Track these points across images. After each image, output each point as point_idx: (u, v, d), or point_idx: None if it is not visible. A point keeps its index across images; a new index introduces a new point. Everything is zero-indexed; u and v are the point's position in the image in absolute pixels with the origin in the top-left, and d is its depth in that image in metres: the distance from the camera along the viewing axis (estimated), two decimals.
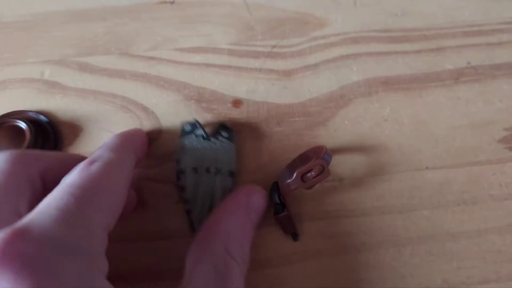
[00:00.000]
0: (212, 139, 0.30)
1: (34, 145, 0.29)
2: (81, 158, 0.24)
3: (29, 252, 0.17)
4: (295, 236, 0.29)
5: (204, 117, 0.32)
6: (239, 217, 0.25)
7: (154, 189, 0.30)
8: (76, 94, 0.33)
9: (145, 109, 0.33)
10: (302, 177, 0.28)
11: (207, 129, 0.31)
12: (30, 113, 0.31)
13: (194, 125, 0.31)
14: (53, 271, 0.17)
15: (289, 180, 0.28)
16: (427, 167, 0.31)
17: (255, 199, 0.27)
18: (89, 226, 0.19)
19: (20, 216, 0.19)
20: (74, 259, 0.18)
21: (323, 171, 0.27)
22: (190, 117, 0.32)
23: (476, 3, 0.38)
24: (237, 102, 0.33)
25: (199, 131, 0.31)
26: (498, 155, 0.32)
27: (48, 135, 0.31)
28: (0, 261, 0.16)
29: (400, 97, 0.34)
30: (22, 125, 0.29)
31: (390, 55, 0.35)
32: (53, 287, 0.16)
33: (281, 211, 0.28)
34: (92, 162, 0.22)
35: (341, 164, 0.31)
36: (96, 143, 0.31)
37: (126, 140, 0.26)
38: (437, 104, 0.34)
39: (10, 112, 0.31)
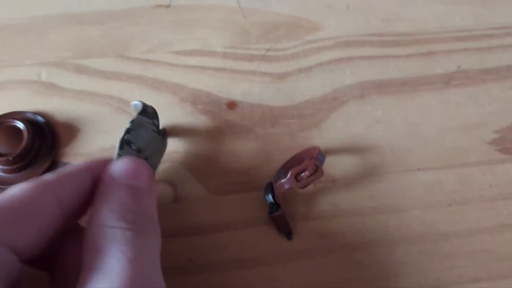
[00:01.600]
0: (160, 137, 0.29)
1: (31, 145, 0.30)
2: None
3: None
4: (289, 235, 0.29)
5: (199, 119, 0.33)
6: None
7: None
8: (73, 95, 0.33)
9: None
10: (296, 176, 0.28)
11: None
12: (28, 114, 0.31)
13: (155, 113, 0.30)
14: None
15: (283, 180, 0.28)
16: (418, 168, 0.32)
17: (142, 177, 0.23)
18: None
19: None
20: None
21: (317, 171, 0.28)
22: (185, 119, 0.33)
23: (467, 9, 0.39)
24: (232, 104, 0.34)
25: (158, 122, 0.29)
26: (488, 156, 0.33)
27: (45, 136, 0.31)
28: None
29: (392, 100, 0.34)
30: (20, 125, 0.30)
31: (382, 58, 0.36)
32: None
33: (275, 211, 0.29)
34: (22, 184, 0.21)
35: (334, 165, 0.32)
36: (92, 143, 0.32)
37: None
38: (428, 106, 0.34)
39: (8, 113, 0.31)
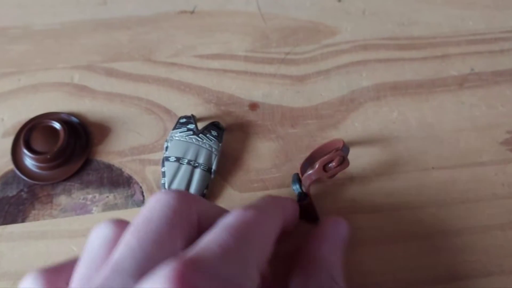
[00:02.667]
0: (201, 135, 0.32)
1: (67, 144, 0.31)
2: (227, 211, 0.25)
3: (202, 285, 0.18)
4: (316, 220, 0.31)
5: (223, 120, 0.34)
6: (332, 246, 0.28)
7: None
8: (103, 97, 0.35)
9: (167, 111, 0.35)
10: (324, 167, 0.29)
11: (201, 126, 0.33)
12: (63, 115, 0.33)
13: (189, 118, 0.33)
14: None
15: (310, 171, 0.30)
16: (433, 167, 0.33)
17: (340, 228, 0.29)
18: (244, 264, 0.20)
19: (175, 252, 0.20)
20: None
21: (344, 161, 0.29)
22: (209, 120, 0.34)
23: (480, 13, 0.40)
24: (253, 106, 0.35)
25: (191, 126, 0.32)
26: (500, 156, 0.34)
27: (79, 135, 0.33)
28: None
29: (407, 101, 0.36)
30: (57, 125, 0.32)
31: (397, 61, 0.38)
32: None
33: (304, 199, 0.30)
34: (247, 209, 0.23)
35: (352, 164, 0.33)
36: (123, 142, 0.33)
37: (278, 203, 0.27)
38: (442, 108, 0.36)
39: (45, 114, 0.33)
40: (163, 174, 0.31)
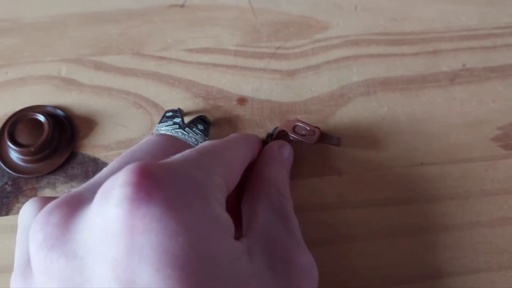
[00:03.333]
0: (187, 129, 0.32)
1: (52, 137, 0.31)
2: None
3: (161, 173, 0.18)
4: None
5: (211, 114, 0.34)
6: (277, 165, 0.29)
7: None
8: (91, 90, 0.35)
9: (155, 105, 0.35)
10: (295, 127, 0.31)
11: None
12: (48, 108, 0.33)
13: (176, 112, 0.33)
14: (183, 194, 0.18)
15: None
16: (422, 163, 0.33)
17: (285, 150, 0.30)
18: (206, 170, 0.21)
19: None
20: (195, 186, 0.19)
21: (316, 134, 0.31)
22: (198, 114, 0.34)
23: (473, 9, 0.40)
24: (242, 100, 0.35)
25: (177, 119, 0.32)
26: (491, 152, 0.34)
27: (65, 129, 0.32)
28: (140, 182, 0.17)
29: (397, 97, 0.36)
30: (41, 118, 0.31)
31: (388, 57, 0.37)
32: (183, 206, 0.18)
33: (268, 138, 0.32)
34: (215, 140, 0.25)
35: (340, 159, 0.33)
36: (109, 136, 0.33)
37: (246, 138, 0.29)
38: (433, 103, 0.35)
39: (30, 107, 0.33)
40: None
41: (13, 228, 0.30)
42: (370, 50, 0.38)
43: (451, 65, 0.37)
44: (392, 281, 0.29)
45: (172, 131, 0.32)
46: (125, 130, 0.34)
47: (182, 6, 0.39)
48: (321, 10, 0.40)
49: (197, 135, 0.32)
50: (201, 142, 0.32)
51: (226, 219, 0.20)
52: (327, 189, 0.32)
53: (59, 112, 0.33)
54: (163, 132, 0.32)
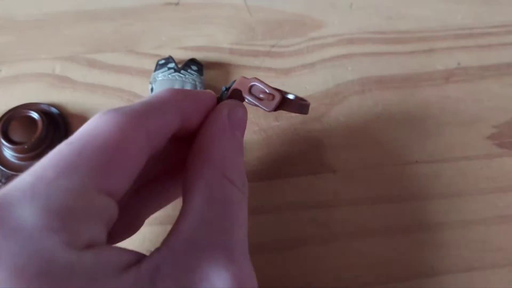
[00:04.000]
0: (182, 71, 0.33)
1: (45, 135, 0.31)
2: None
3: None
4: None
5: None
6: (227, 138, 0.22)
7: None
8: (85, 88, 0.35)
9: None
10: (252, 87, 0.24)
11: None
12: (42, 105, 0.33)
13: (168, 59, 0.34)
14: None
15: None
16: (417, 161, 0.33)
17: (235, 115, 0.23)
18: (71, 194, 0.16)
19: None
20: (38, 240, 0.15)
21: (275, 100, 0.24)
22: None
23: (468, 8, 0.40)
24: None
25: (171, 64, 0.34)
26: (486, 150, 0.34)
27: (58, 126, 0.32)
28: None
29: (392, 95, 0.36)
30: (35, 115, 0.31)
31: (384, 55, 0.37)
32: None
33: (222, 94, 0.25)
34: (104, 113, 0.18)
35: (334, 157, 0.33)
36: None
37: (176, 97, 0.21)
38: (428, 102, 0.35)
39: (24, 104, 0.33)
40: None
41: None
42: (365, 48, 0.38)
43: (446, 63, 0.37)
44: (387, 279, 0.29)
45: (169, 75, 0.33)
46: None
47: (176, 4, 0.39)
48: (316, 9, 0.40)
49: (193, 75, 0.33)
50: (198, 82, 0.33)
51: (90, 260, 0.16)
52: (322, 187, 0.32)
53: (53, 109, 0.33)
54: (160, 79, 0.33)
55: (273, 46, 0.37)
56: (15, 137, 0.31)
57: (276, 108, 0.24)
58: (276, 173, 0.32)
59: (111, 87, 0.35)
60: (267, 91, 0.24)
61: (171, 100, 0.20)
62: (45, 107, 0.33)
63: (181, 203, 0.20)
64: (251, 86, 0.25)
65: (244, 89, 0.24)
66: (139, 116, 0.18)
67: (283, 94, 0.24)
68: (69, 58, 0.36)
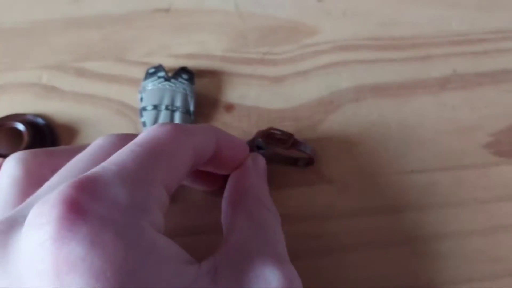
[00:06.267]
0: (172, 80, 0.33)
1: (32, 146, 0.30)
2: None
3: (91, 207, 0.17)
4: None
5: (197, 121, 0.33)
6: (256, 176, 0.27)
7: None
8: (73, 98, 0.34)
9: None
10: (270, 134, 0.30)
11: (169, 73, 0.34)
12: (28, 116, 0.32)
13: (158, 68, 0.34)
14: (110, 226, 0.17)
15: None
16: (412, 170, 0.32)
17: (258, 161, 0.28)
18: (145, 182, 0.19)
19: None
20: (125, 214, 0.17)
21: (293, 141, 0.30)
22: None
23: (463, 14, 0.40)
24: (229, 107, 0.34)
25: (161, 73, 0.33)
26: (482, 159, 0.33)
27: (45, 137, 0.31)
28: (69, 216, 0.16)
29: (387, 103, 0.35)
30: (20, 127, 0.30)
31: (378, 62, 0.37)
32: (110, 240, 0.16)
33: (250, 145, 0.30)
34: (164, 125, 0.22)
35: (329, 167, 0.32)
36: None
37: (214, 129, 0.26)
38: (423, 110, 0.35)
39: (9, 115, 0.32)
40: (144, 124, 0.32)
41: None
42: (359, 55, 0.37)
43: (441, 70, 0.37)
44: None
45: (159, 84, 0.32)
46: None
47: (167, 10, 0.38)
48: (310, 15, 0.39)
49: (184, 84, 0.33)
50: (189, 91, 0.33)
51: (165, 244, 0.19)
52: (317, 198, 0.31)
53: (39, 120, 0.32)
54: (150, 88, 0.32)
55: (265, 53, 0.37)
56: (1, 149, 0.30)
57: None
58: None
59: (99, 96, 0.34)
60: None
61: (212, 129, 0.25)
62: (31, 118, 0.32)
63: None
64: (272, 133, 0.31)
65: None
66: (189, 131, 0.22)
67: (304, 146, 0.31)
68: (56, 67, 0.35)
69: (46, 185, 0.20)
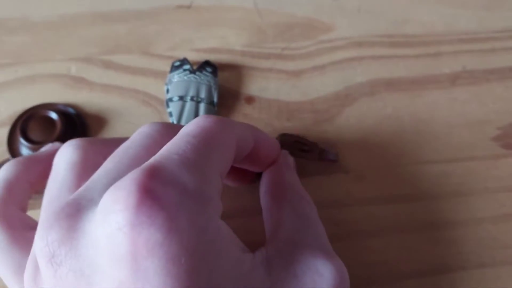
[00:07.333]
0: (197, 73, 0.34)
1: (64, 134, 0.31)
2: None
3: (161, 191, 0.17)
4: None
5: (219, 113, 0.35)
6: (290, 171, 0.28)
7: None
8: (101, 89, 0.35)
9: (164, 103, 0.35)
10: (296, 143, 0.32)
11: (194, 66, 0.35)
12: (59, 106, 0.33)
13: (183, 61, 0.35)
14: (183, 213, 0.17)
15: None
16: (426, 161, 0.34)
17: (289, 158, 0.30)
18: (205, 171, 0.19)
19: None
20: (195, 201, 0.18)
21: (319, 151, 0.32)
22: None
23: (472, 13, 0.41)
24: (249, 99, 0.36)
25: (187, 66, 0.34)
26: (492, 151, 0.35)
27: (76, 126, 0.33)
28: (142, 204, 0.17)
29: (401, 97, 0.36)
30: (54, 115, 0.32)
31: (391, 58, 0.38)
32: (184, 226, 0.17)
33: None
34: (209, 116, 0.22)
35: (346, 158, 0.34)
36: (119, 134, 0.34)
37: (251, 126, 0.26)
38: (435, 104, 0.36)
39: (41, 104, 0.33)
40: (170, 114, 0.33)
41: None
42: (373, 51, 0.38)
43: (452, 67, 0.38)
44: (401, 276, 0.30)
45: (185, 77, 0.34)
46: (135, 128, 0.33)
47: (189, 7, 0.40)
48: (325, 12, 0.40)
49: (208, 76, 0.34)
50: (213, 83, 0.34)
51: (226, 232, 0.20)
52: (335, 187, 0.33)
53: (70, 110, 0.33)
54: (176, 80, 0.34)
55: (284, 48, 0.38)
56: (34, 136, 0.31)
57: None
58: None
59: (126, 87, 0.35)
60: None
61: (250, 126, 0.25)
62: (62, 107, 0.33)
63: None
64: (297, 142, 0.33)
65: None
66: (231, 123, 0.23)
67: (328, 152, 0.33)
68: (85, 59, 0.36)
69: (102, 170, 0.21)
